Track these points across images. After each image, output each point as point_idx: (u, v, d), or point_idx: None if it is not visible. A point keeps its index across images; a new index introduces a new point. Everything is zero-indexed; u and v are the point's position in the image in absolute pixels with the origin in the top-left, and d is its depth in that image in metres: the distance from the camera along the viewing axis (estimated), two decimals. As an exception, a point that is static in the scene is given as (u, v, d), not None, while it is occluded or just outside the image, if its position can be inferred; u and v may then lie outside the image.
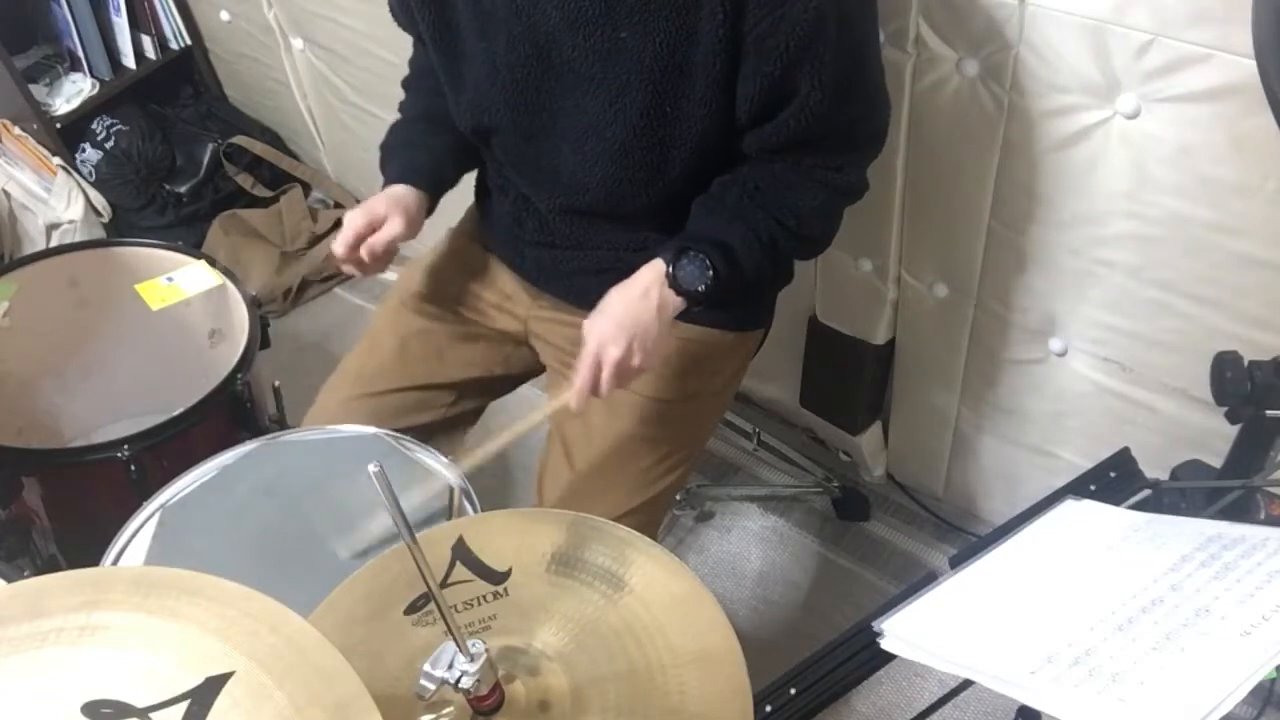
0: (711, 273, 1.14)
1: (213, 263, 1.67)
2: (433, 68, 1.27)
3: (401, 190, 1.28)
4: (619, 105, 1.13)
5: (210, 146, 2.53)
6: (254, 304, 1.63)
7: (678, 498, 1.95)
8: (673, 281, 1.15)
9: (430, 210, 1.32)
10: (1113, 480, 1.01)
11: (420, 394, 1.40)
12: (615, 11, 1.08)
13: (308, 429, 1.32)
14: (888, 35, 1.35)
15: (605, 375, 1.12)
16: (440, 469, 1.23)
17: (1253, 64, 1.02)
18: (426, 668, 0.74)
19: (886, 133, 1.22)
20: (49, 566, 1.59)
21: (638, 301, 1.15)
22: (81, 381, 1.85)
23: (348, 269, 1.27)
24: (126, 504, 1.21)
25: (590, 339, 1.13)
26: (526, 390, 1.53)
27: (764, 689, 0.87)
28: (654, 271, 1.16)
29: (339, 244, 1.25)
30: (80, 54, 2.40)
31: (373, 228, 1.24)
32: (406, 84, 1.42)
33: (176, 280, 1.64)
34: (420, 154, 1.33)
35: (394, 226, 1.24)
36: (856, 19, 1.10)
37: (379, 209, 1.25)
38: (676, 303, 1.16)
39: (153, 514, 1.20)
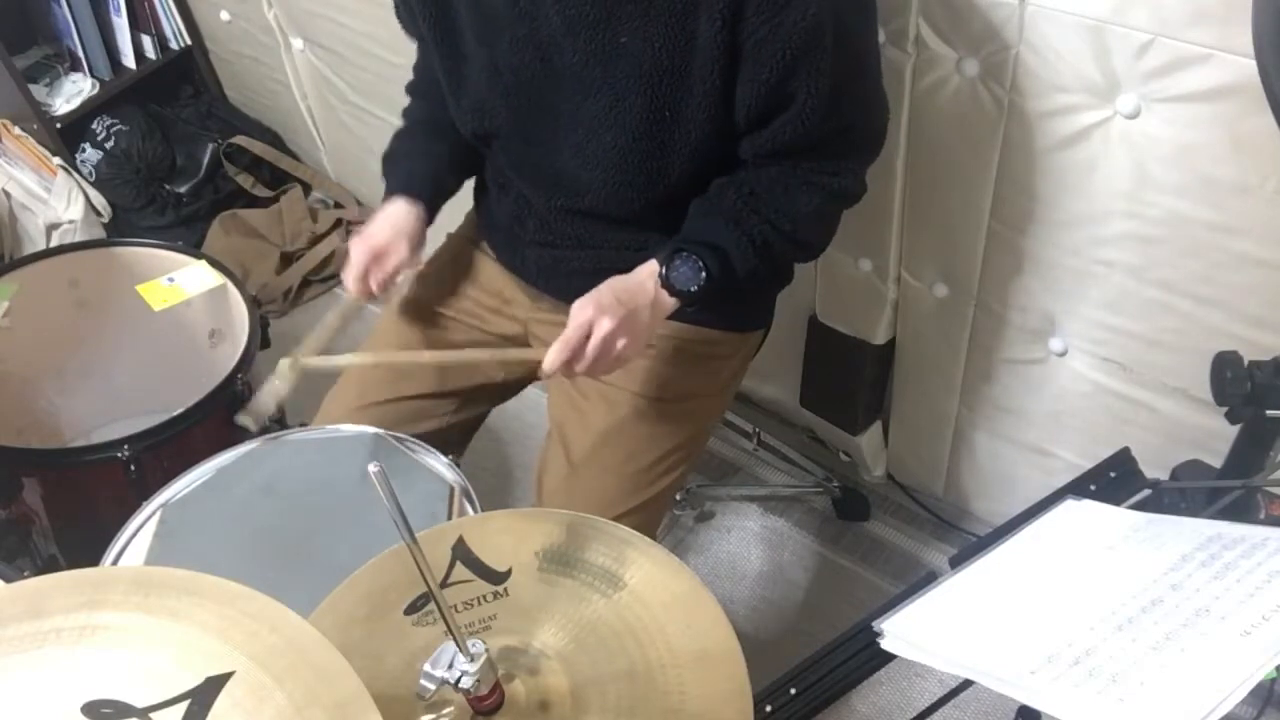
0: (704, 274, 1.14)
1: (213, 263, 1.67)
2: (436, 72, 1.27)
3: (401, 212, 1.30)
4: (618, 110, 1.13)
5: (210, 146, 2.53)
6: (254, 304, 1.63)
7: (678, 498, 1.95)
8: (665, 281, 1.15)
9: (430, 219, 1.34)
10: (1113, 480, 1.01)
11: (422, 403, 1.40)
12: (615, 16, 1.08)
13: (308, 429, 1.32)
14: (888, 35, 1.35)
15: (592, 343, 1.11)
16: (441, 469, 1.24)
17: (1253, 64, 1.02)
18: (426, 668, 0.75)
19: (884, 138, 1.22)
20: (49, 566, 1.59)
21: (635, 288, 1.15)
22: (81, 381, 1.85)
23: (360, 299, 1.30)
24: (126, 504, 1.21)
25: (585, 308, 1.12)
26: (529, 392, 1.53)
27: (764, 689, 0.87)
28: (649, 269, 1.17)
29: (350, 281, 1.28)
30: (80, 54, 2.40)
31: (376, 257, 1.27)
32: (411, 89, 1.42)
33: (177, 280, 1.64)
34: (423, 163, 1.34)
35: (398, 255, 1.28)
36: (854, 27, 1.10)
37: (380, 239, 1.27)
38: (669, 302, 1.16)
39: (153, 514, 1.20)
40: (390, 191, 1.32)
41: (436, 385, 1.40)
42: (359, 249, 1.27)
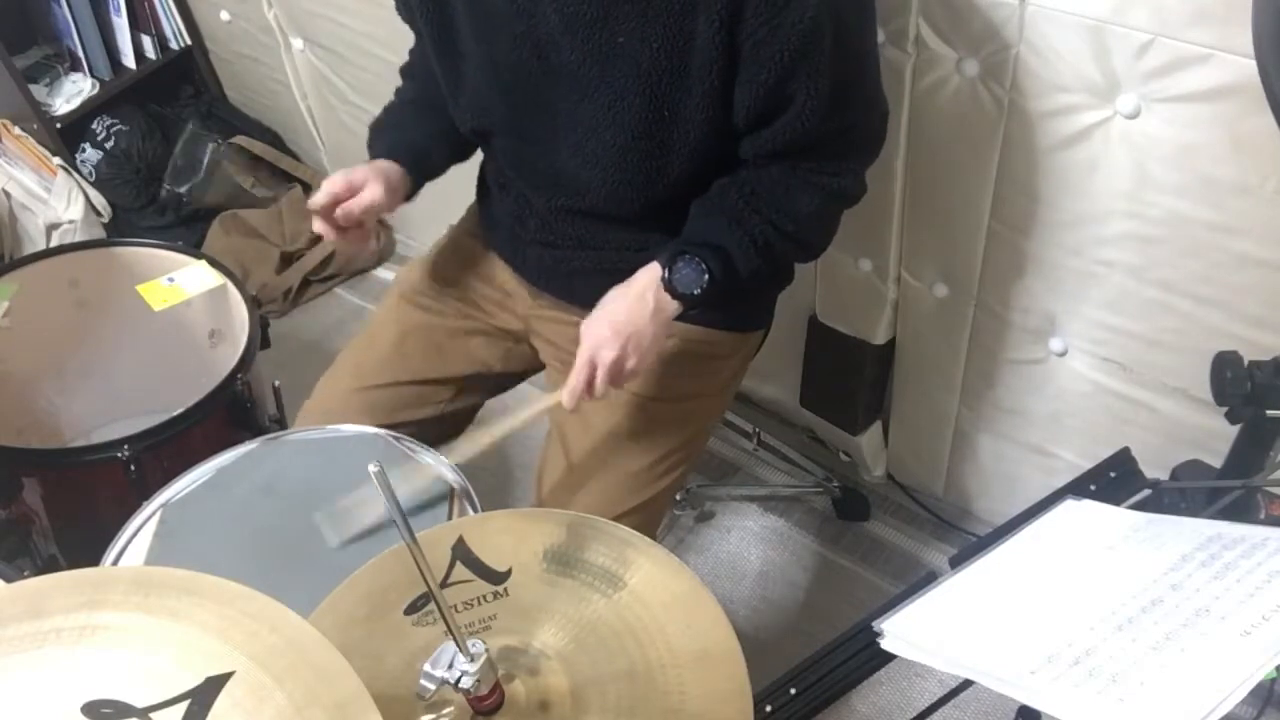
0: (707, 276, 1.15)
1: (213, 263, 1.67)
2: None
3: (384, 163, 1.28)
4: (617, 110, 1.13)
5: (210, 146, 2.53)
6: (254, 304, 1.63)
7: (678, 498, 1.95)
8: (668, 285, 1.15)
9: (412, 193, 1.31)
10: (1113, 480, 1.01)
11: (418, 389, 1.40)
12: (613, 16, 1.08)
13: (308, 429, 1.32)
14: (888, 35, 1.35)
15: (600, 377, 1.13)
16: (441, 469, 1.23)
17: (1253, 64, 1.02)
18: (426, 668, 0.75)
19: (884, 138, 1.22)
20: (49, 566, 1.59)
21: (634, 304, 1.15)
22: (81, 381, 1.85)
23: (320, 228, 1.24)
24: (126, 504, 1.21)
25: (586, 340, 1.14)
26: (526, 387, 1.53)
27: (764, 689, 0.87)
28: (650, 275, 1.16)
29: (314, 200, 1.22)
30: (80, 54, 2.40)
31: (351, 191, 1.23)
32: (404, 71, 1.43)
33: (178, 281, 1.64)
34: (409, 134, 1.33)
35: (373, 192, 1.22)
36: (853, 27, 1.10)
37: (358, 175, 1.24)
38: (672, 306, 1.16)
39: (153, 514, 1.20)
40: (374, 158, 1.30)
41: (433, 373, 1.40)
42: (335, 178, 1.22)
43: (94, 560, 1.17)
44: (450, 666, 0.74)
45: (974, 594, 0.86)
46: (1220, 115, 1.16)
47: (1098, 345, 1.49)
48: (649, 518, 1.34)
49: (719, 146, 1.16)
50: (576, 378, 1.14)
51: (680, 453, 1.34)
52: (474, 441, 1.21)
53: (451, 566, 0.88)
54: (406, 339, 1.41)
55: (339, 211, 1.22)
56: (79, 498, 1.52)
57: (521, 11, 1.12)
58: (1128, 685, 0.67)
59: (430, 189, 1.36)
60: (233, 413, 1.54)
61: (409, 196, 1.31)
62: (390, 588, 0.86)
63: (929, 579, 0.89)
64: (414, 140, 1.33)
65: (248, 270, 2.45)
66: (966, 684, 0.80)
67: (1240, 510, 0.97)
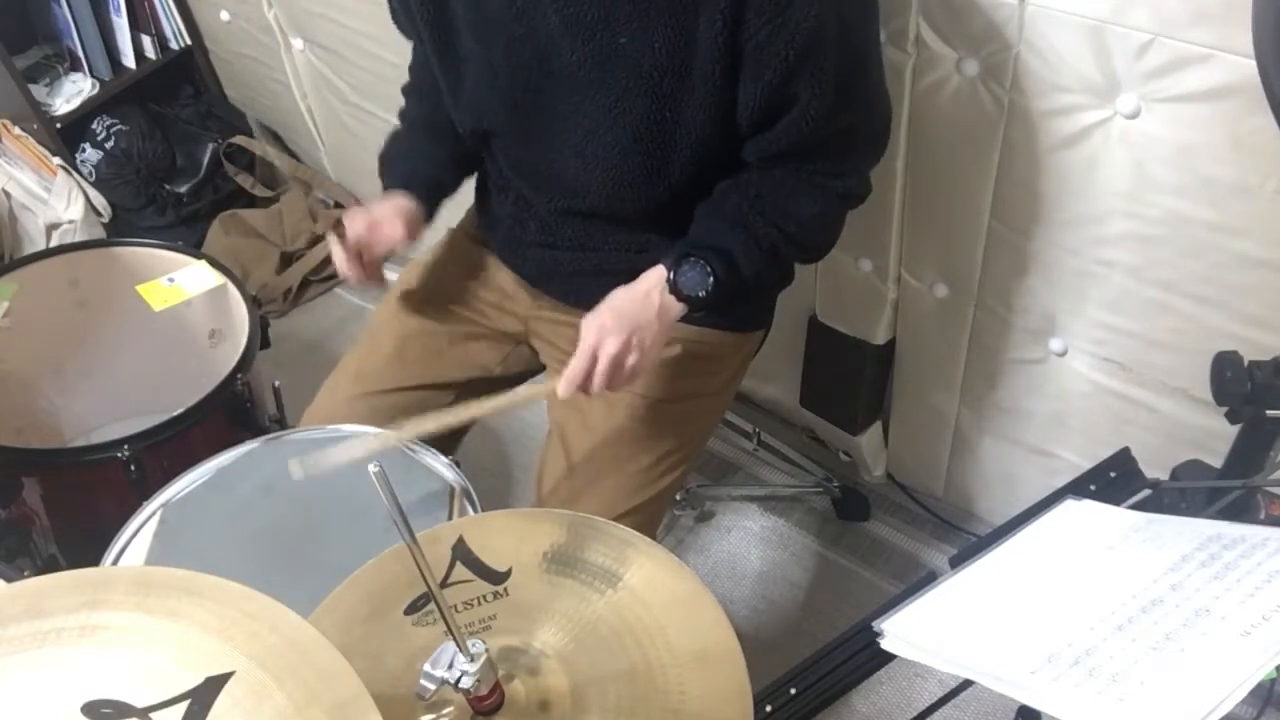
0: (712, 279, 1.14)
1: (213, 263, 1.67)
2: (433, 73, 1.27)
3: (401, 200, 1.30)
4: (618, 111, 1.13)
5: (210, 146, 2.53)
6: (254, 304, 1.63)
7: (678, 498, 1.95)
8: (673, 287, 1.15)
9: (429, 219, 1.34)
10: (1113, 480, 1.01)
11: (419, 394, 1.40)
12: (614, 17, 1.08)
13: (308, 429, 1.32)
14: (888, 35, 1.34)
15: (600, 367, 1.12)
16: (441, 469, 1.24)
17: (1253, 64, 1.02)
18: (426, 668, 0.75)
19: (888, 138, 1.22)
20: (49, 566, 1.59)
21: (640, 301, 1.15)
22: (81, 381, 1.85)
23: (348, 278, 1.28)
24: (126, 504, 1.21)
25: (590, 331, 1.13)
26: (528, 390, 1.52)
27: (764, 689, 0.87)
28: (655, 276, 1.16)
29: (339, 259, 1.26)
30: (80, 54, 2.40)
31: (372, 230, 1.26)
32: (407, 90, 1.42)
33: (178, 281, 1.64)
34: (420, 163, 1.34)
35: (394, 232, 1.26)
36: (857, 26, 1.10)
37: (378, 214, 1.27)
38: (677, 308, 1.16)
39: (153, 514, 1.20)
40: (388, 190, 1.32)
41: (433, 378, 1.40)
42: (356, 220, 1.26)
43: (94, 560, 1.17)
44: (450, 666, 0.74)
45: (974, 594, 0.86)
46: (1220, 115, 1.16)
47: (1098, 345, 1.49)
48: (649, 518, 1.34)
49: (720, 148, 1.16)
50: (577, 365, 1.12)
51: (680, 453, 1.34)
52: (454, 414, 1.20)
53: (451, 566, 0.88)
54: (406, 344, 1.41)
55: (365, 259, 1.26)
56: (79, 498, 1.52)
57: (521, 14, 1.12)
58: (1128, 685, 0.67)
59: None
60: (233, 413, 1.54)
61: (427, 222, 1.33)
62: (390, 588, 0.86)
63: (929, 579, 0.89)
64: (425, 169, 1.34)
65: (248, 270, 2.45)
66: (966, 684, 0.80)
67: (1240, 510, 0.97)
